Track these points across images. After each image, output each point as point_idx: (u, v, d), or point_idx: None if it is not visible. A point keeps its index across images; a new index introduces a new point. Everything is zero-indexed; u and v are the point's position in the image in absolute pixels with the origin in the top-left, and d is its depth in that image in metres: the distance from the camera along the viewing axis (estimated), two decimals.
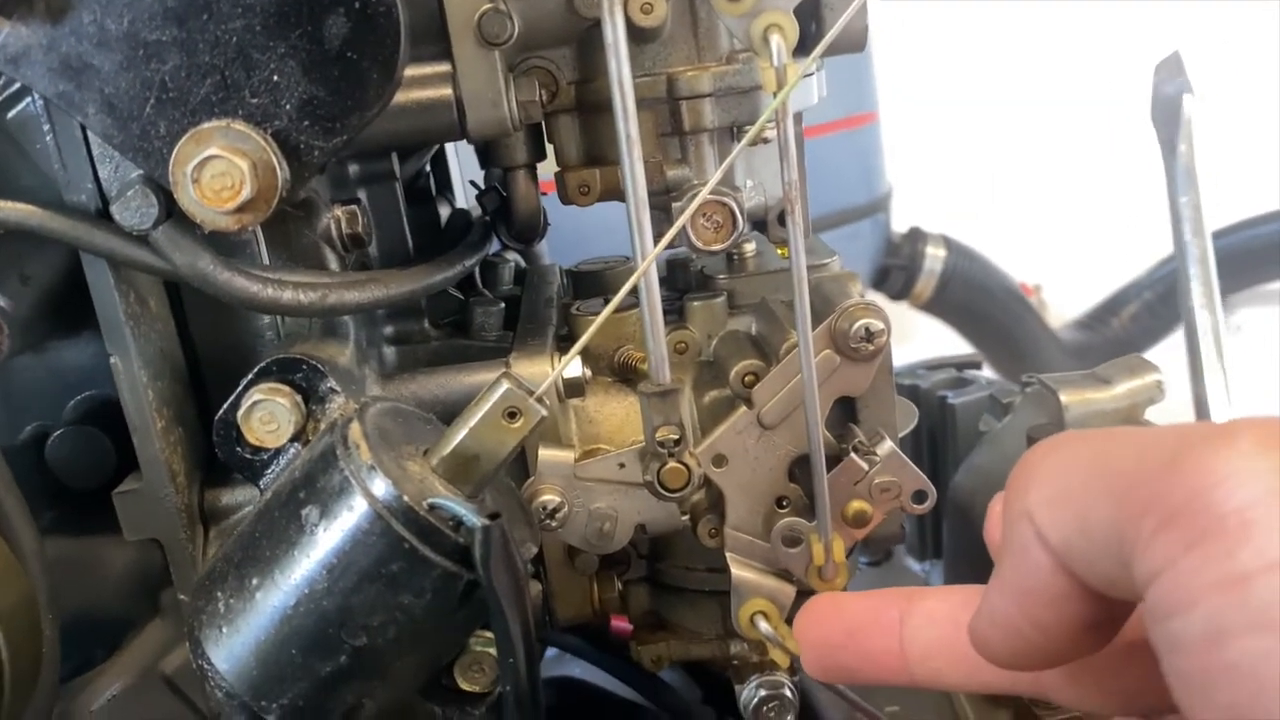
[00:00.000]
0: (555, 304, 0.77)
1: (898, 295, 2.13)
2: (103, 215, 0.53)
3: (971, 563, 0.91)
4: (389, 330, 0.68)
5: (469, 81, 0.58)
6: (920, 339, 2.40)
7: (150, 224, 0.51)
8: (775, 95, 0.53)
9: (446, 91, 0.58)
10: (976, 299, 2.14)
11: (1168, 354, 2.33)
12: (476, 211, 0.83)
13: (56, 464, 0.63)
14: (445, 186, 0.91)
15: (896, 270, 2.09)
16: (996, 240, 2.39)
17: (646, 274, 0.54)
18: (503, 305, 0.71)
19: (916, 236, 2.09)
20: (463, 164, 0.94)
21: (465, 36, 0.57)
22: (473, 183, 0.82)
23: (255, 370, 0.53)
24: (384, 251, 0.68)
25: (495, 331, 0.70)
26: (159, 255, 0.53)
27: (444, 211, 0.88)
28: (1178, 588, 0.30)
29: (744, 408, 0.61)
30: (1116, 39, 2.91)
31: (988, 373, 1.12)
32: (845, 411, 0.64)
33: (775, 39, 0.53)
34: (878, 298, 2.18)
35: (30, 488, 0.59)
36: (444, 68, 0.58)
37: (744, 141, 0.55)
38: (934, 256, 2.08)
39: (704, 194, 0.55)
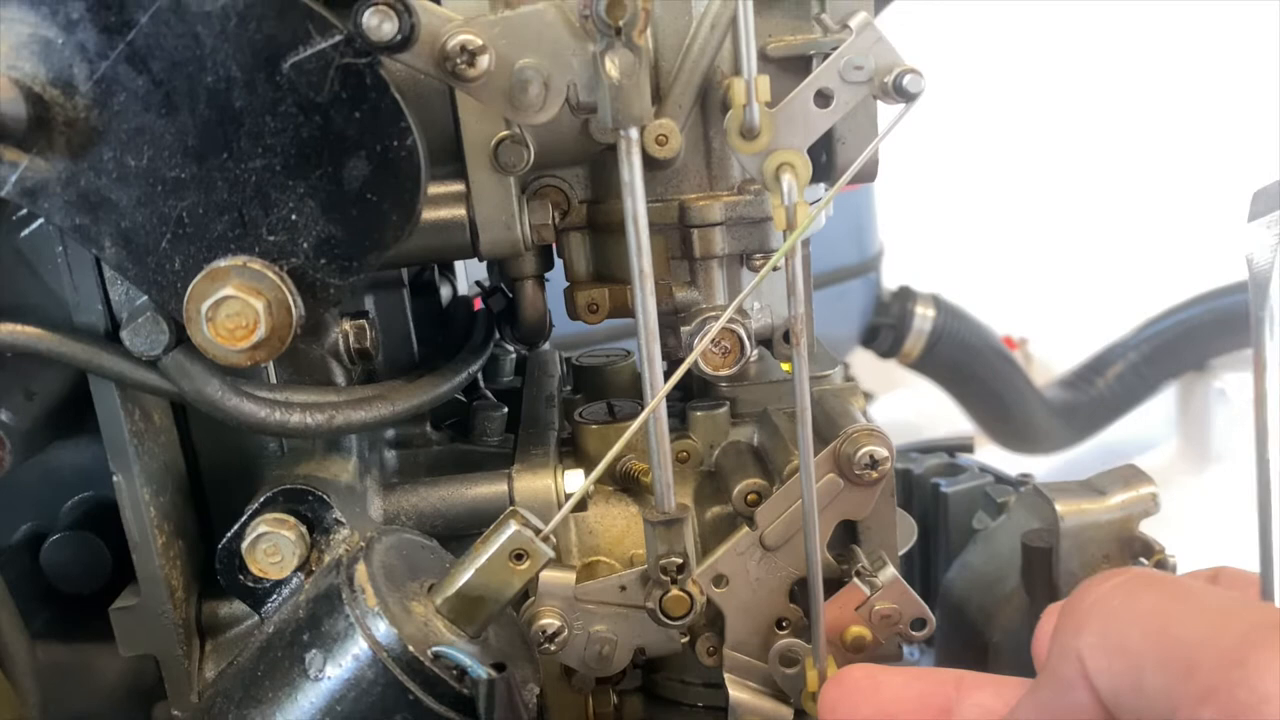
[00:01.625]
0: (556, 400, 0.77)
1: (887, 353, 2.13)
2: (112, 337, 0.53)
3: (963, 660, 0.91)
4: (391, 434, 0.68)
5: (483, 205, 0.57)
6: (908, 386, 2.41)
7: (160, 350, 0.51)
8: (786, 235, 0.53)
9: (460, 212, 0.58)
10: (964, 358, 2.14)
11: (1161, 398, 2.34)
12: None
13: (52, 569, 0.63)
14: (448, 267, 0.91)
15: (886, 329, 2.09)
16: (982, 292, 2.40)
17: (656, 411, 0.54)
18: (505, 410, 0.71)
19: (906, 296, 2.10)
20: None
21: (481, 162, 0.56)
22: (478, 283, 0.82)
23: (260, 500, 0.53)
24: (389, 356, 0.68)
25: (497, 436, 0.70)
26: (167, 379, 0.52)
27: (445, 291, 0.87)
28: None
29: (746, 528, 0.61)
30: (1109, 87, 2.93)
31: (980, 457, 1.13)
32: (847, 532, 0.64)
33: (787, 178, 0.54)
34: (867, 356, 2.18)
35: (24, 590, 0.59)
36: (458, 187, 0.58)
37: (756, 281, 0.55)
38: (923, 316, 2.09)
39: (715, 330, 0.56)
